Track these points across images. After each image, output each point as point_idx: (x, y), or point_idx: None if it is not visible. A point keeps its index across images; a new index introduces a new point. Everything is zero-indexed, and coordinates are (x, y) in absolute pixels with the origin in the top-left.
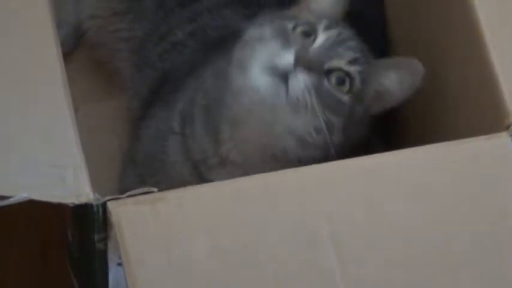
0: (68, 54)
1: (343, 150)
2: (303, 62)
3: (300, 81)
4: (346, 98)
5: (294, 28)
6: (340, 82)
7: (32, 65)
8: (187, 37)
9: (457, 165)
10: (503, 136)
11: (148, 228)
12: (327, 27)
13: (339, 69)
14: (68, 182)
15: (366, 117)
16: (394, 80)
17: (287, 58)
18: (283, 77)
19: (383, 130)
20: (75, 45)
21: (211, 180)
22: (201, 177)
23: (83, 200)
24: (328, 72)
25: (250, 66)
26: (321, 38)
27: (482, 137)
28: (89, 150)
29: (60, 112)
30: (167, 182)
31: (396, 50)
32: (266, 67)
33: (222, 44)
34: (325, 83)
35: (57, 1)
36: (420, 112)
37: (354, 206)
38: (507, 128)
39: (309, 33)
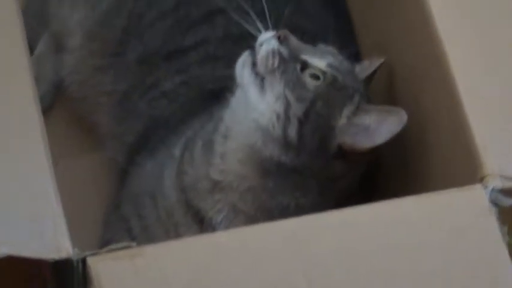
0: (46, 109)
1: (300, 168)
2: (280, 37)
3: (270, 44)
4: (311, 86)
5: None
6: (314, 77)
7: (11, 121)
8: (178, 86)
9: (430, 218)
10: (477, 188)
11: (127, 283)
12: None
13: (315, 68)
14: (48, 236)
15: (329, 143)
16: (374, 119)
17: (269, 34)
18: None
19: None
20: (53, 101)
21: (196, 207)
22: (187, 204)
23: (63, 255)
24: (304, 66)
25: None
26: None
27: (456, 189)
28: (68, 204)
29: (40, 166)
30: (154, 215)
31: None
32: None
33: (221, 96)
34: (297, 67)
35: (36, 58)
36: (398, 162)
37: (330, 260)
38: (481, 180)
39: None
